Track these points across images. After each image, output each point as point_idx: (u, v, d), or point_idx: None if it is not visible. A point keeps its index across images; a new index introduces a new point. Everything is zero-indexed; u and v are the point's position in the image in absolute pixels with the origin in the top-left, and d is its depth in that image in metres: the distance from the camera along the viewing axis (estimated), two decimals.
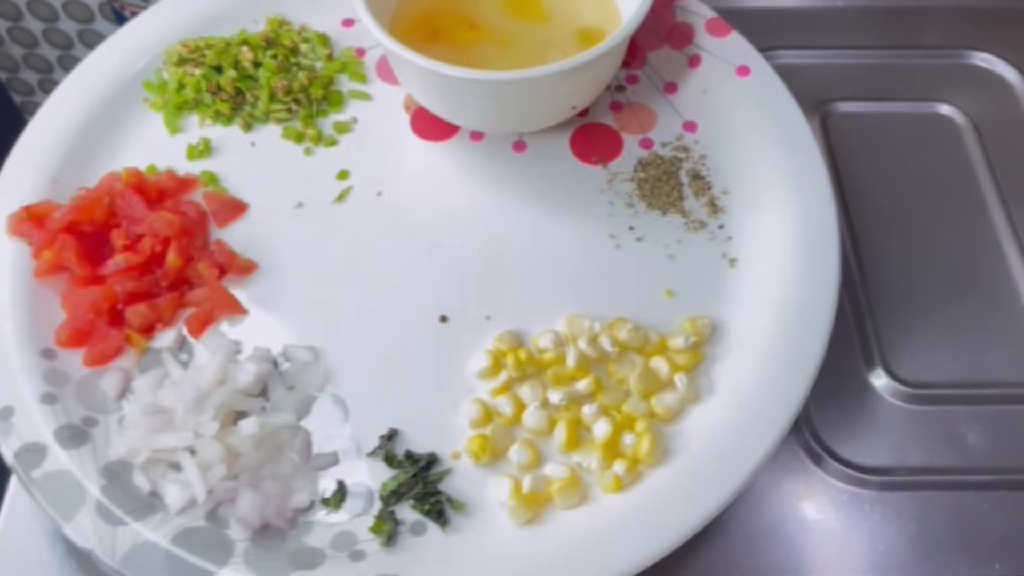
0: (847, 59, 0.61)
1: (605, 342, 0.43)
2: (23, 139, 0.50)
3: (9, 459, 0.40)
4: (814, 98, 0.58)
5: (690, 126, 0.52)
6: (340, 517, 0.40)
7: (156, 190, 0.48)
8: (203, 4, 0.55)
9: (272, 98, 0.52)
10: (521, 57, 0.49)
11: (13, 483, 0.45)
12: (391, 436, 0.42)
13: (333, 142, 0.51)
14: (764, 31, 0.62)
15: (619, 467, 0.40)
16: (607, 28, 0.50)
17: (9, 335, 0.43)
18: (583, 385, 0.42)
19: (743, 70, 0.52)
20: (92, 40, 0.96)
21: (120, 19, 0.84)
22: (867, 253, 0.52)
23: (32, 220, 0.46)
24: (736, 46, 0.53)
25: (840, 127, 0.58)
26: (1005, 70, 0.60)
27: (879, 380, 0.48)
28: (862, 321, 0.50)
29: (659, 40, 0.54)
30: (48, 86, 1.04)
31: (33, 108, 1.07)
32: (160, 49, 0.54)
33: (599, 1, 0.51)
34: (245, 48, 0.53)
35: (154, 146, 0.51)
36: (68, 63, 1.00)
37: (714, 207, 0.49)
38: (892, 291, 0.51)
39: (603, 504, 0.40)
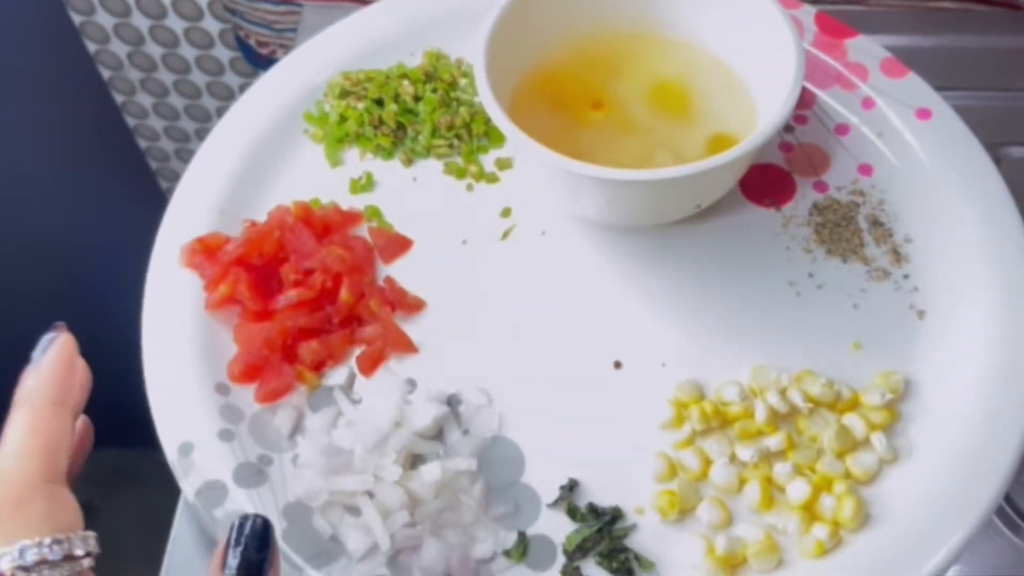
0: (1018, 101, 0.58)
1: (796, 397, 0.41)
2: (190, 171, 0.50)
3: (191, 497, 0.40)
4: (984, 141, 0.56)
5: (865, 169, 0.50)
6: (522, 571, 0.39)
7: (322, 224, 0.48)
8: (360, 37, 0.55)
9: (434, 133, 0.51)
10: (638, 152, 0.46)
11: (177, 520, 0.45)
12: (572, 487, 0.41)
13: (495, 179, 0.51)
14: (924, 71, 0.60)
15: (820, 531, 0.38)
16: (743, 137, 0.44)
17: (188, 369, 0.43)
18: (774, 442, 0.40)
19: (923, 113, 0.50)
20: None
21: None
22: None
23: (204, 252, 0.46)
24: (914, 88, 0.50)
25: (1014, 172, 0.55)
26: None
27: None
28: None
29: (829, 80, 0.52)
30: (184, 155, 1.06)
31: (168, 173, 1.08)
32: (318, 82, 0.53)
33: (742, 107, 0.47)
34: (406, 82, 0.52)
35: (315, 179, 0.51)
36: (204, 134, 1.03)
37: (897, 255, 0.47)
38: None
39: (800, 569, 0.38)
